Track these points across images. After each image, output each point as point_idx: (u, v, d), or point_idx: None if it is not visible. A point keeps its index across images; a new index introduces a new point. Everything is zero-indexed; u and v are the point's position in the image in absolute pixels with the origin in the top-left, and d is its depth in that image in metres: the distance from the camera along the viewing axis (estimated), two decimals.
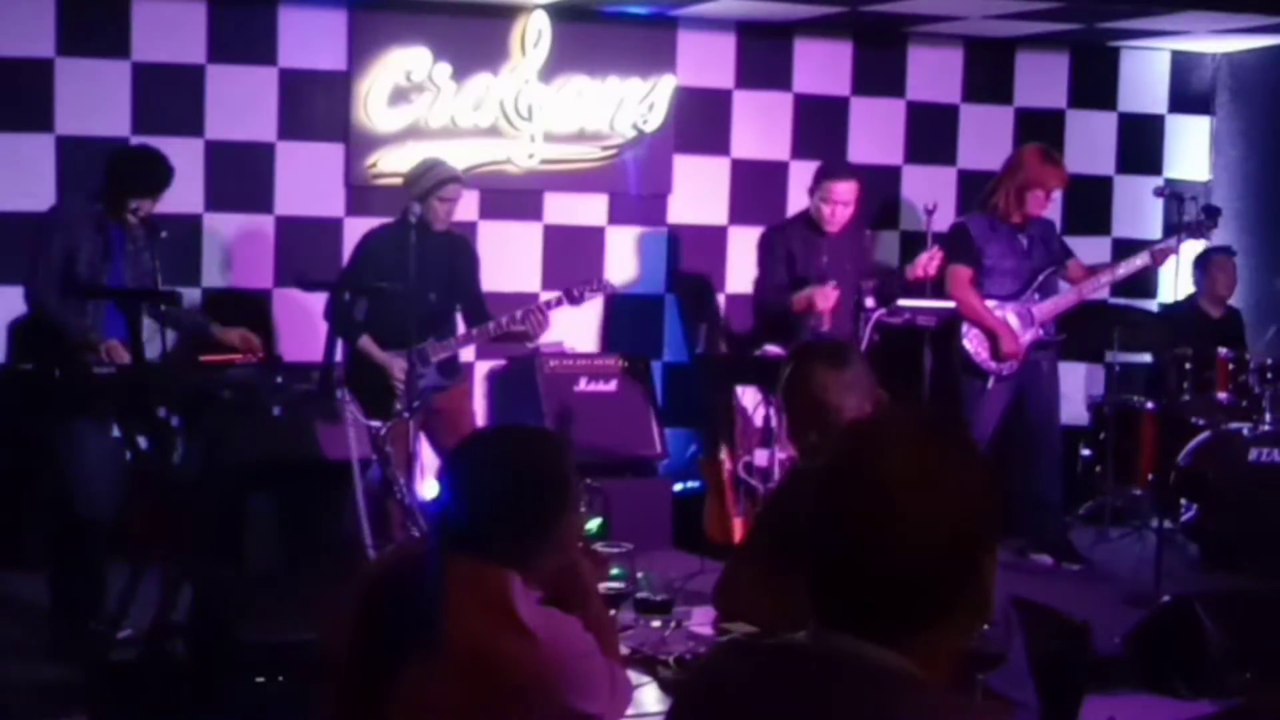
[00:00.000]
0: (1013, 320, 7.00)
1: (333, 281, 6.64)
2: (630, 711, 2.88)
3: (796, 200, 8.09)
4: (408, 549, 2.67)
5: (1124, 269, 7.27)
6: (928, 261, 6.93)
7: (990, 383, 6.99)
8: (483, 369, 7.71)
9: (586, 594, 2.76)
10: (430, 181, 6.46)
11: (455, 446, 2.72)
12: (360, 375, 6.35)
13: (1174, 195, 7.42)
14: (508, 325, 6.54)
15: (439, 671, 2.42)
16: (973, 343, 6.99)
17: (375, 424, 6.17)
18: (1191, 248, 7.76)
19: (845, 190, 6.97)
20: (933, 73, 8.36)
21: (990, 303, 7.01)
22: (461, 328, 6.69)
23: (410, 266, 6.09)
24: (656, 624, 3.30)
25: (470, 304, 6.69)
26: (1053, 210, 7.39)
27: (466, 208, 7.51)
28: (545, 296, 6.98)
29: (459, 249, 6.71)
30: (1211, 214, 7.35)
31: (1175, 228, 7.33)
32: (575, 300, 6.68)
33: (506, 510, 2.53)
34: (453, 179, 6.53)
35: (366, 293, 6.35)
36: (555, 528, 2.58)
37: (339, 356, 6.25)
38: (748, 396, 7.26)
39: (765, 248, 7.17)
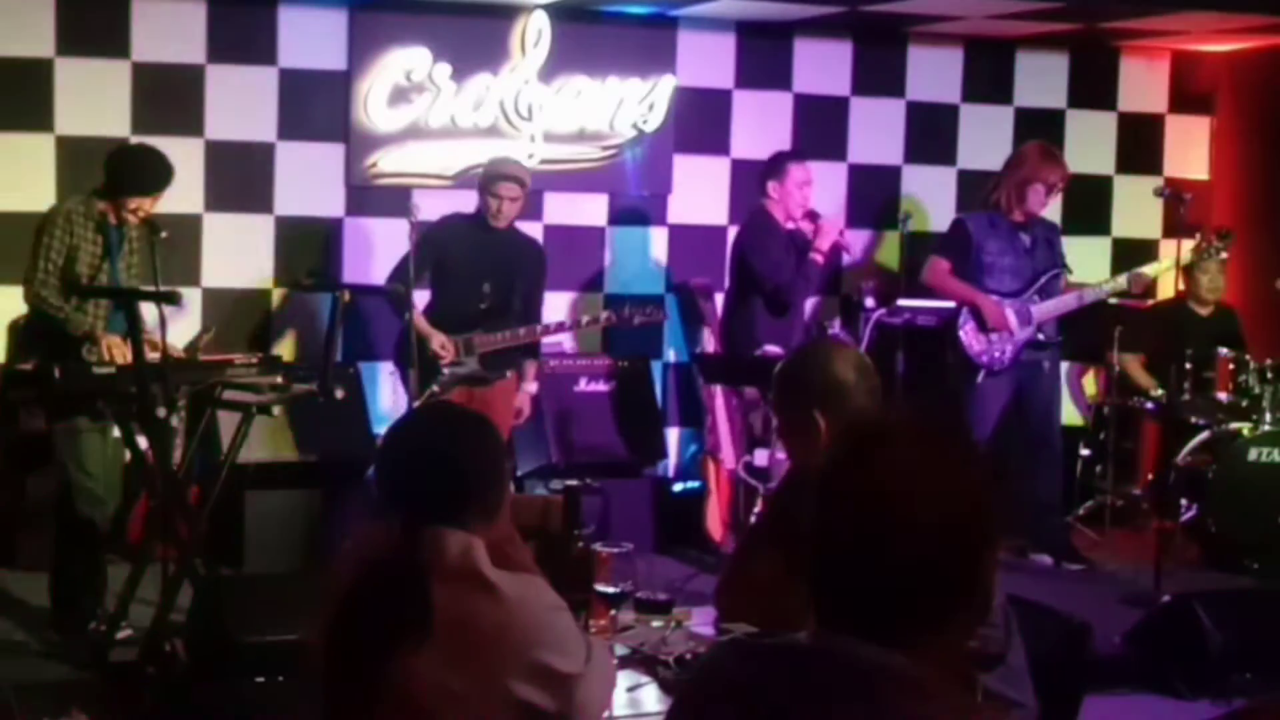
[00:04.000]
0: (1010, 317, 6.99)
1: (330, 281, 6.74)
2: (630, 711, 2.89)
3: None
4: (378, 534, 2.69)
5: (1105, 292, 7.23)
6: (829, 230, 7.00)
7: (981, 376, 6.98)
8: None
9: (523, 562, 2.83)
10: (485, 175, 6.72)
11: (396, 424, 2.89)
12: (410, 352, 6.44)
13: (1174, 195, 7.42)
14: (555, 329, 6.90)
15: (425, 646, 2.46)
16: (968, 335, 6.99)
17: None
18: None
19: (807, 170, 7.15)
20: (933, 73, 8.36)
21: (993, 298, 7.00)
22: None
23: (407, 265, 6.16)
24: (656, 624, 3.30)
25: (524, 306, 6.80)
26: (1053, 210, 7.40)
27: (467, 208, 7.51)
28: (592, 315, 7.27)
29: (523, 252, 6.82)
30: (1224, 238, 7.35)
31: (1177, 230, 7.33)
32: (627, 321, 6.92)
33: (456, 477, 2.62)
34: (503, 177, 6.65)
35: (379, 294, 6.47)
36: (498, 493, 2.68)
37: (338, 357, 6.27)
38: (736, 397, 7.27)
39: (760, 241, 7.12)
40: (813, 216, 7.08)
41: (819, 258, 7.00)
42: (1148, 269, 7.39)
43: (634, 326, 6.99)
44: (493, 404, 6.53)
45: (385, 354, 7.12)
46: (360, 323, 7.16)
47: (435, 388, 6.19)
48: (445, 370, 6.49)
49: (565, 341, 7.73)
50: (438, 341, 6.54)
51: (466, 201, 7.50)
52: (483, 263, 6.57)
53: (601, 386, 7.52)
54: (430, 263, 6.56)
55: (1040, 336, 7.07)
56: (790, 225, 7.12)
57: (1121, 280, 7.19)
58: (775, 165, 7.18)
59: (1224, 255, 7.53)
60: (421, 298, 6.68)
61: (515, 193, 6.63)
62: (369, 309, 7.10)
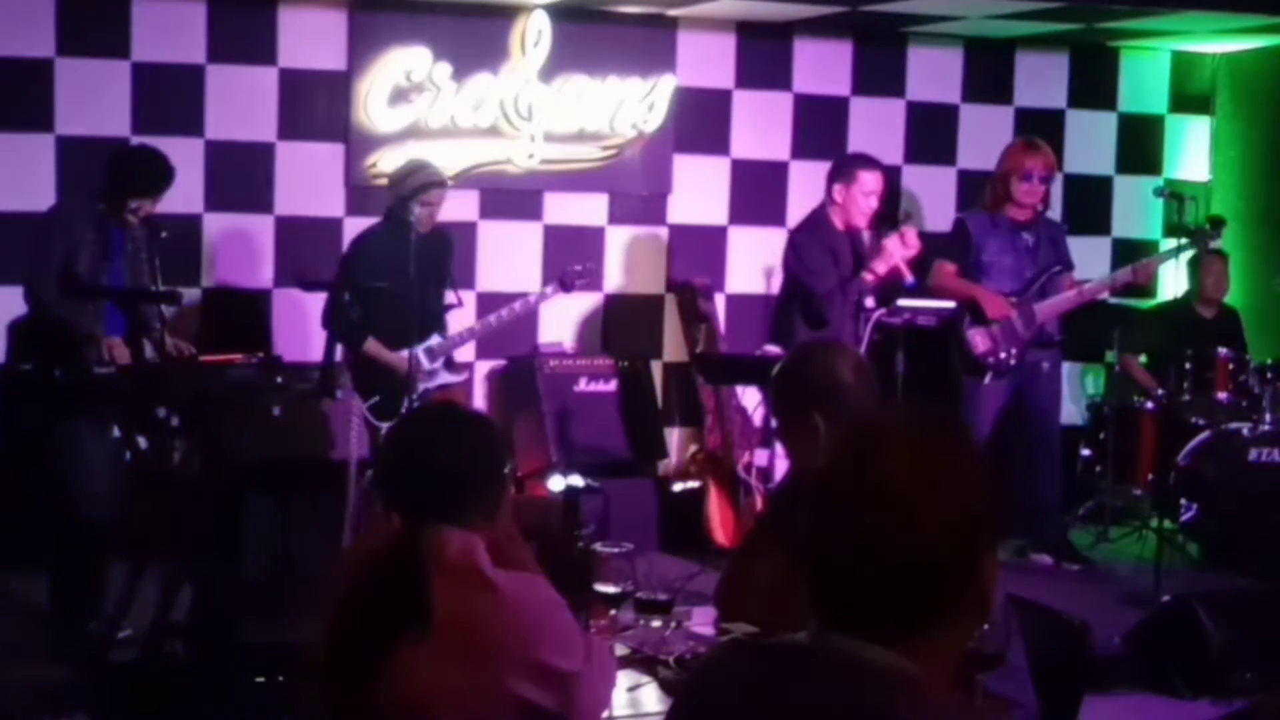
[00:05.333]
0: (1014, 316, 6.98)
1: (332, 281, 6.65)
2: (630, 711, 2.89)
3: (796, 200, 8.11)
4: (380, 531, 2.69)
5: (1106, 285, 7.20)
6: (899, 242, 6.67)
7: (988, 378, 6.97)
8: (483, 369, 7.71)
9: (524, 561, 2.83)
10: (413, 186, 6.46)
11: (398, 422, 2.92)
12: (367, 378, 6.38)
13: (1174, 196, 7.42)
14: (508, 317, 6.77)
15: (424, 644, 2.47)
16: (974, 336, 6.98)
17: (384, 426, 6.21)
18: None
19: (877, 180, 6.88)
20: (933, 73, 8.36)
21: (989, 290, 7.00)
22: (463, 323, 6.76)
23: (411, 266, 6.15)
24: (656, 624, 3.30)
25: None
26: (1052, 209, 7.39)
27: (467, 208, 7.53)
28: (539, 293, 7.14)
29: (445, 243, 6.74)
30: (1216, 225, 7.34)
31: (1177, 230, 7.33)
32: (569, 288, 6.86)
33: (456, 476, 2.63)
34: (436, 184, 6.50)
35: (367, 294, 6.37)
36: (498, 492, 2.69)
37: (339, 357, 6.26)
38: (748, 397, 7.27)
39: (804, 246, 6.93)
40: (878, 230, 6.77)
41: (870, 277, 6.69)
42: (1150, 259, 7.38)
43: (576, 288, 6.96)
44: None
45: None
46: None
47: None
48: (421, 386, 6.46)
49: (565, 342, 7.73)
50: (412, 362, 6.46)
51: (467, 201, 7.51)
52: (425, 269, 6.35)
53: (602, 386, 7.52)
54: (357, 285, 6.29)
55: (1053, 336, 7.07)
56: (860, 225, 6.86)
57: (1126, 271, 7.17)
58: (844, 168, 6.92)
59: (1218, 243, 7.51)
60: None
61: (442, 198, 6.52)
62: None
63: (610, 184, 7.89)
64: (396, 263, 6.23)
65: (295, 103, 7.35)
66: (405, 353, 6.46)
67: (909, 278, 6.69)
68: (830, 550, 1.75)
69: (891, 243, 6.68)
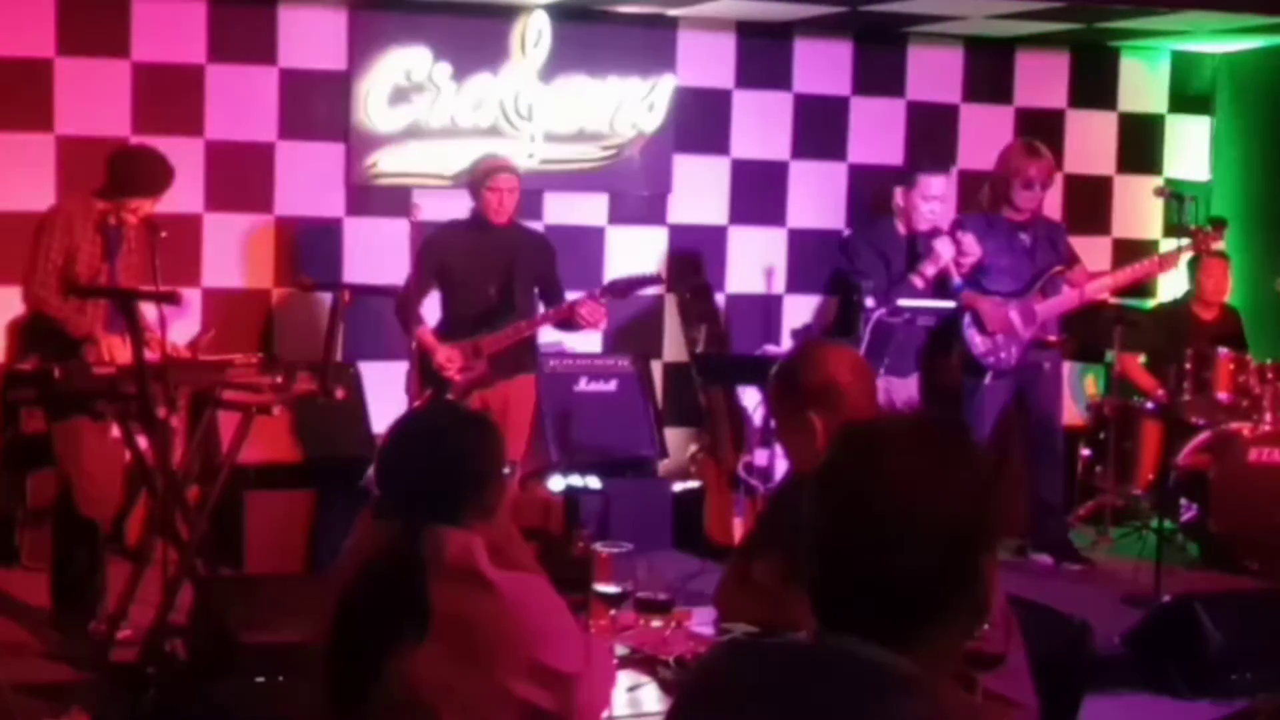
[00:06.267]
0: (1014, 317, 6.98)
1: (330, 282, 6.72)
2: (630, 711, 2.89)
3: (796, 200, 8.12)
4: (378, 533, 2.68)
5: (1127, 274, 7.21)
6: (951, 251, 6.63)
7: (988, 379, 6.97)
8: None
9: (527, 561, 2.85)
10: (479, 174, 6.53)
11: (397, 423, 2.87)
12: (426, 369, 6.41)
13: (1174, 195, 7.42)
14: (555, 316, 6.58)
15: (424, 645, 2.47)
16: (973, 336, 6.97)
17: None
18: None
19: (940, 184, 6.84)
20: (933, 73, 8.36)
21: (994, 300, 7.00)
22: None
23: (400, 264, 6.16)
24: (656, 624, 3.30)
25: (548, 299, 6.66)
26: (1052, 209, 7.38)
27: (467, 208, 7.51)
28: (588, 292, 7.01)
29: (526, 244, 6.66)
30: (1217, 225, 7.34)
31: (1176, 230, 7.33)
32: (623, 293, 6.67)
33: (456, 476, 2.63)
34: (500, 168, 6.53)
35: (367, 293, 6.41)
36: (497, 492, 2.69)
37: (339, 356, 6.28)
38: (748, 397, 7.27)
39: (854, 247, 6.87)
40: (935, 234, 6.73)
41: (919, 281, 6.64)
42: (1165, 253, 7.39)
43: (629, 295, 6.80)
44: (507, 404, 6.50)
45: (385, 354, 7.11)
46: (360, 323, 7.16)
47: (449, 396, 6.17)
48: (456, 379, 6.47)
49: (566, 341, 7.72)
50: (442, 355, 6.43)
51: (467, 201, 7.50)
52: (486, 265, 6.47)
53: (602, 386, 7.52)
54: (433, 272, 6.46)
55: (1051, 337, 7.06)
56: (922, 229, 6.76)
57: (1152, 261, 7.18)
58: (907, 172, 6.90)
59: (1220, 245, 7.50)
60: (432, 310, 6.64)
61: (513, 183, 6.52)
62: (369, 309, 7.10)
63: (610, 184, 7.89)
64: (460, 257, 6.39)
65: (295, 103, 7.36)
66: (449, 346, 6.45)
67: (957, 279, 6.69)
68: (830, 551, 1.75)
69: (941, 244, 6.66)
